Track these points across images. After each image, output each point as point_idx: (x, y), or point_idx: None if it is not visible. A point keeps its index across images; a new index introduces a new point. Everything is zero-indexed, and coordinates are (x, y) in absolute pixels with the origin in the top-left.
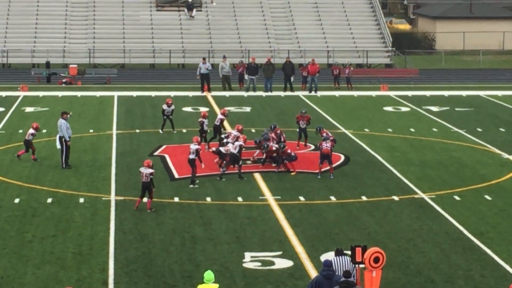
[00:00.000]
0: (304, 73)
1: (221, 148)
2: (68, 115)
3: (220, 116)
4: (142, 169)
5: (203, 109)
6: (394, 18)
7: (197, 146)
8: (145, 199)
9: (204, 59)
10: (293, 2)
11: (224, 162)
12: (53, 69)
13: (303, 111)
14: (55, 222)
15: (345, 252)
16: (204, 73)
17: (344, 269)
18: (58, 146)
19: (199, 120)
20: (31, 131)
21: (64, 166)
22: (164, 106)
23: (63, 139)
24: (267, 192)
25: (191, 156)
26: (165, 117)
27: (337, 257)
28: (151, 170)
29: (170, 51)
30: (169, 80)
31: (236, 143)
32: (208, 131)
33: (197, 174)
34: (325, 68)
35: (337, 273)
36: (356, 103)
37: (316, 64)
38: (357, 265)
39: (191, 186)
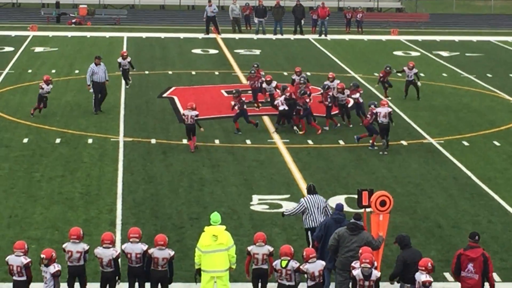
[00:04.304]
0: (314, 16)
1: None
2: (98, 60)
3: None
4: (186, 112)
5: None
6: None
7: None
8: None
9: (210, 1)
10: None
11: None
12: (63, 9)
13: (388, 68)
14: (64, 163)
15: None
16: (210, 16)
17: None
18: (90, 90)
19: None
20: (42, 85)
21: (95, 110)
22: (119, 59)
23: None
24: (276, 135)
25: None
26: (121, 69)
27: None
28: (196, 112)
29: None
30: (178, 22)
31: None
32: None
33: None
34: (335, 12)
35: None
36: (366, 47)
37: (326, 7)
38: (363, 209)
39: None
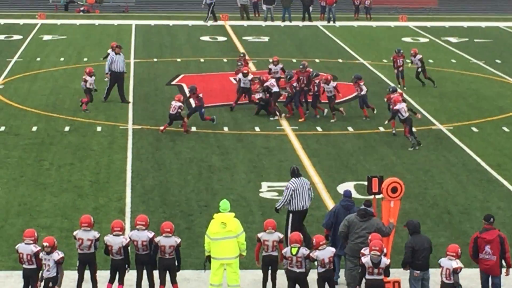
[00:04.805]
0: (323, 2)
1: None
2: (112, 49)
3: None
4: (173, 103)
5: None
6: None
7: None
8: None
9: None
10: None
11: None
12: None
13: (399, 51)
14: (73, 150)
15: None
16: (209, 3)
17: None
18: (106, 79)
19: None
20: (85, 77)
21: (104, 98)
22: (109, 50)
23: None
24: (285, 122)
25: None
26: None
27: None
28: (180, 104)
29: None
30: (187, 9)
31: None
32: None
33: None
34: None
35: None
36: (375, 33)
37: None
38: (373, 196)
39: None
